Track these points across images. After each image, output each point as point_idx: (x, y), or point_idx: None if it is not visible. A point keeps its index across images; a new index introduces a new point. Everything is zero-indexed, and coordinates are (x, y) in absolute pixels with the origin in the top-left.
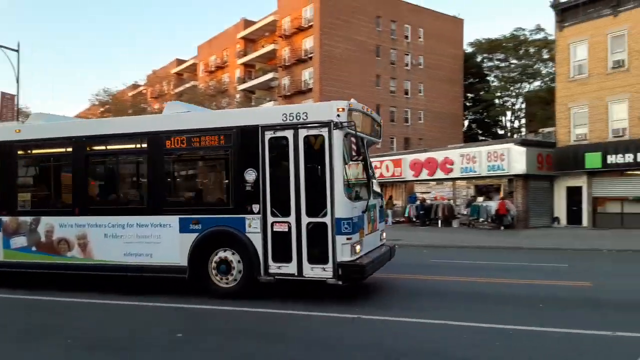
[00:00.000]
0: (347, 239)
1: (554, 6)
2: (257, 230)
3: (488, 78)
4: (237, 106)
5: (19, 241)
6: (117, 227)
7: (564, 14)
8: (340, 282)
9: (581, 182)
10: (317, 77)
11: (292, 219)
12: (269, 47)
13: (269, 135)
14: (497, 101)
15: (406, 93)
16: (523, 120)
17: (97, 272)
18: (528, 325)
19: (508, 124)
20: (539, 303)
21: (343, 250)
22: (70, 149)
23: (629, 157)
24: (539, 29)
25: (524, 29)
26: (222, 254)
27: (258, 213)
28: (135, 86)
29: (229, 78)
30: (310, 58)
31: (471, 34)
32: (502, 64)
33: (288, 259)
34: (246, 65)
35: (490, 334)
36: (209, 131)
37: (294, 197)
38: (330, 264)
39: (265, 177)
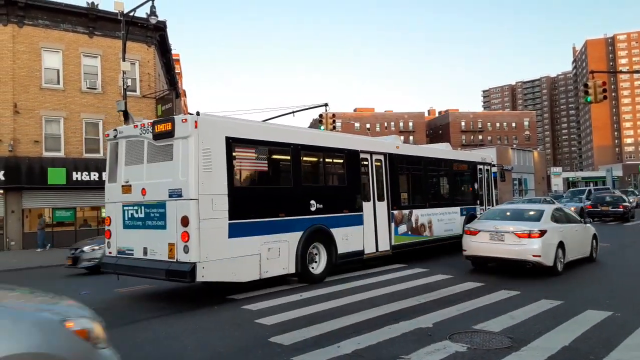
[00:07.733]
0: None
1: None
2: (478, 212)
3: None
4: None
5: (402, 228)
6: (441, 214)
7: None
8: None
9: None
10: None
11: (478, 206)
12: None
13: (479, 167)
14: None
15: None
16: None
17: (434, 244)
18: None
19: None
20: None
21: None
22: (421, 166)
23: None
24: None
25: None
26: (467, 225)
27: (478, 204)
28: None
29: None
30: None
31: None
32: None
33: None
34: None
35: None
36: (465, 162)
37: (486, 196)
38: None
39: (479, 187)
